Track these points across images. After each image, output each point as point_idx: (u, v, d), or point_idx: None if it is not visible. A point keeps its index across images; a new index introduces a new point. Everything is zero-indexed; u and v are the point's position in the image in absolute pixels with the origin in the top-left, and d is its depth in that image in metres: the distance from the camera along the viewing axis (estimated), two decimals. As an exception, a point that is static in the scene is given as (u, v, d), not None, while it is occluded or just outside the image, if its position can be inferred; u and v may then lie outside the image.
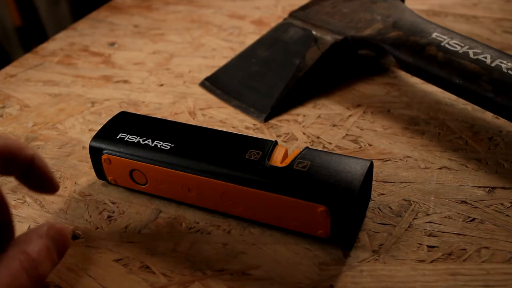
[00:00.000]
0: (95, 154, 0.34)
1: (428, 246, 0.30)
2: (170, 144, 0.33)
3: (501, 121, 0.41)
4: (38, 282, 0.25)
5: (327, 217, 0.29)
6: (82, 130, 0.43)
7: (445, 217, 0.32)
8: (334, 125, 0.42)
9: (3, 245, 0.26)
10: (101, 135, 0.34)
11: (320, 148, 0.39)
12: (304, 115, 0.43)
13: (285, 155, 0.32)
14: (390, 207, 0.33)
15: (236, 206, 0.32)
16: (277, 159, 0.31)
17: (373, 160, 0.37)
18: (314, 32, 0.46)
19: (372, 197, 0.34)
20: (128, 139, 0.34)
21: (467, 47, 0.39)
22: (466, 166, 0.36)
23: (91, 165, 0.36)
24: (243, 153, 0.32)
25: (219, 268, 0.30)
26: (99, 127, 0.37)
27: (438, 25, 0.42)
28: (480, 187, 0.35)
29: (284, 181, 0.29)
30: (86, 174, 0.38)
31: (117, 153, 0.33)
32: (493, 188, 0.34)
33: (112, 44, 0.58)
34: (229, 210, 0.32)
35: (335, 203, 0.28)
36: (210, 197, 0.32)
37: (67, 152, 0.41)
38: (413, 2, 0.62)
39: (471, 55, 0.38)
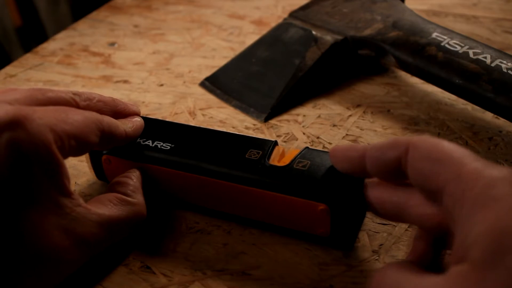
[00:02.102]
0: (95, 154, 0.34)
1: (428, 246, 0.30)
2: (170, 145, 0.33)
3: (501, 121, 0.41)
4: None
5: (327, 215, 0.29)
6: (82, 130, 0.43)
7: (445, 217, 0.32)
8: (334, 125, 0.42)
9: None
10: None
11: (320, 148, 0.39)
12: (304, 115, 0.43)
13: (285, 155, 0.32)
14: (390, 207, 0.33)
15: (236, 206, 0.32)
16: (277, 159, 0.31)
17: (373, 160, 0.37)
18: (314, 32, 0.46)
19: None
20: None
21: (467, 47, 0.39)
22: (466, 166, 0.36)
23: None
24: (243, 153, 0.32)
25: (219, 268, 0.30)
26: (99, 127, 0.37)
27: (438, 25, 0.42)
28: (480, 187, 0.34)
29: (284, 179, 0.29)
30: (86, 174, 0.38)
31: (117, 154, 0.33)
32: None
33: (112, 44, 0.58)
34: (229, 210, 0.32)
35: (335, 201, 0.28)
36: (210, 196, 0.32)
37: (67, 152, 0.40)
38: (413, 2, 0.62)
39: (471, 55, 0.38)
